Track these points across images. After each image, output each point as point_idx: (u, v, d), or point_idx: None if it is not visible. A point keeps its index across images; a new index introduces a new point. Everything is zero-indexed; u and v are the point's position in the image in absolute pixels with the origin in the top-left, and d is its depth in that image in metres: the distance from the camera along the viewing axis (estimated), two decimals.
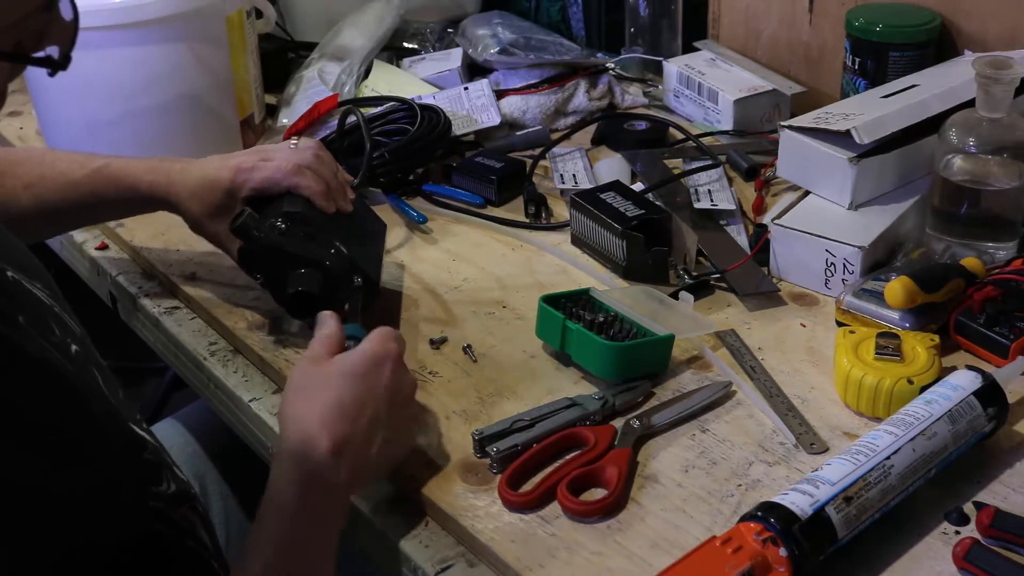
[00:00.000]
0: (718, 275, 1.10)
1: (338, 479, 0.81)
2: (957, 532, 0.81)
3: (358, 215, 1.10)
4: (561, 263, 1.16)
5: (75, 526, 0.71)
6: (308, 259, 1.01)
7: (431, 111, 1.36)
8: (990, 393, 0.86)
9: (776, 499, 0.77)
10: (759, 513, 0.76)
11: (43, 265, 0.90)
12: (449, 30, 1.63)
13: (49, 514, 0.69)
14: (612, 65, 1.54)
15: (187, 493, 0.86)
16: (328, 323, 0.91)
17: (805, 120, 1.16)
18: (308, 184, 1.05)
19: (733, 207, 1.20)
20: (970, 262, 1.02)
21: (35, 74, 0.76)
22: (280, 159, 1.06)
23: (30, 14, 0.70)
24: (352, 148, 1.30)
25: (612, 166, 1.32)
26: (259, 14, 1.40)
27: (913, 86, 1.19)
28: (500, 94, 1.45)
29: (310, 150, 1.09)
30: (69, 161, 1.11)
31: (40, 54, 0.73)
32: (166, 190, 1.08)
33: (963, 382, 0.87)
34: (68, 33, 0.74)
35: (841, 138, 1.10)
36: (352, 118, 1.30)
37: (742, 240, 1.16)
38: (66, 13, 0.73)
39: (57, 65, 0.74)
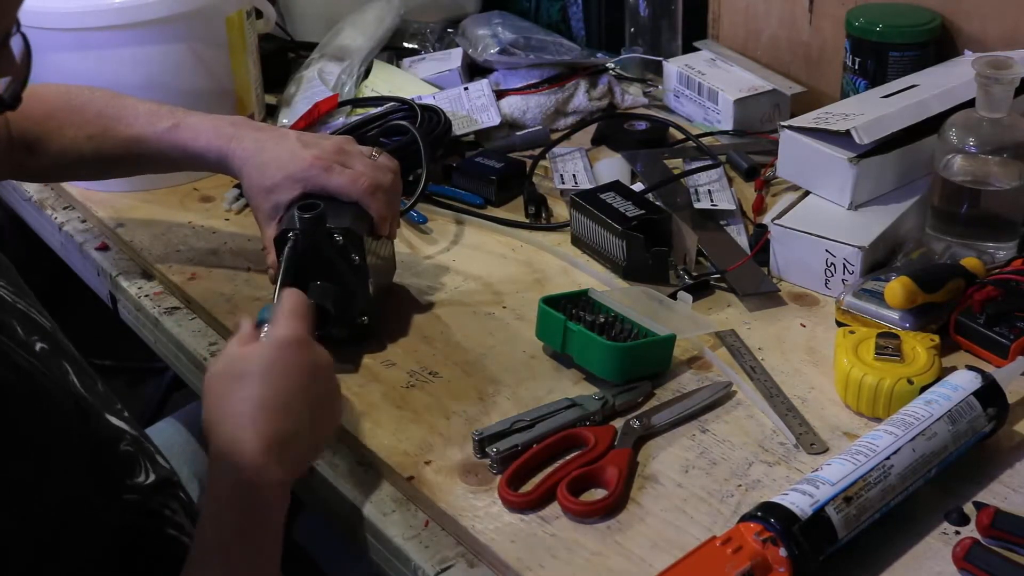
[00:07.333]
0: (718, 275, 1.10)
1: (273, 477, 0.78)
2: (957, 532, 0.81)
3: (388, 254, 1.09)
4: (561, 263, 1.16)
5: (45, 522, 0.71)
6: (339, 281, 1.00)
7: (431, 111, 1.36)
8: (990, 393, 0.86)
9: (776, 499, 0.77)
10: (759, 513, 0.76)
11: (7, 259, 0.90)
12: (449, 30, 1.63)
13: (20, 511, 0.69)
14: (612, 65, 1.54)
15: (169, 480, 0.86)
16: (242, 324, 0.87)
17: (805, 120, 1.16)
18: (378, 208, 1.02)
19: (733, 207, 1.20)
20: (970, 262, 1.02)
21: (35, 73, 0.74)
22: (359, 171, 1.03)
23: None
24: None
25: (612, 166, 1.32)
26: (259, 14, 1.40)
27: (913, 86, 1.19)
28: (500, 94, 1.45)
29: (391, 173, 1.05)
30: (135, 114, 1.08)
31: None
32: (230, 162, 1.05)
33: (963, 382, 0.87)
34: (20, 71, 0.71)
35: (841, 138, 1.10)
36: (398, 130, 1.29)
37: (742, 240, 1.16)
38: (17, 49, 0.71)
39: (5, 105, 0.71)
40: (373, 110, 1.39)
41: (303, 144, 1.04)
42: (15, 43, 0.70)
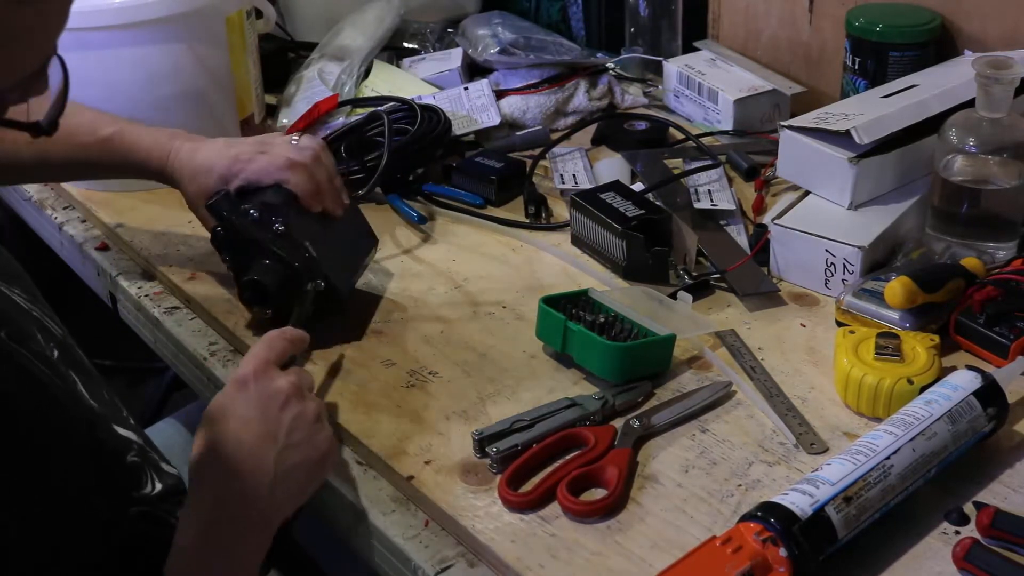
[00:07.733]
0: (718, 275, 1.10)
1: (231, 514, 0.78)
2: (957, 532, 0.81)
3: (347, 223, 1.10)
4: (561, 263, 1.16)
5: (52, 529, 0.72)
6: (271, 251, 1.01)
7: (431, 111, 1.36)
8: (990, 393, 0.86)
9: (776, 499, 0.77)
10: (759, 513, 0.76)
11: (21, 267, 0.90)
12: (449, 30, 1.63)
13: (28, 517, 0.70)
14: (612, 65, 1.54)
15: (175, 488, 0.86)
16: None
17: (805, 120, 1.16)
18: (297, 181, 1.05)
19: (733, 207, 1.20)
20: (970, 262, 1.02)
21: None
22: (275, 153, 1.06)
23: (20, 81, 0.67)
24: (350, 150, 1.30)
25: (612, 166, 1.32)
26: (259, 14, 1.40)
27: (913, 86, 1.19)
28: (500, 94, 1.45)
29: (309, 150, 1.08)
30: (78, 123, 1.09)
31: (25, 119, 0.70)
32: (170, 172, 1.08)
33: (963, 382, 0.87)
34: (58, 97, 0.72)
35: (841, 138, 1.10)
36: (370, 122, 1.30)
37: (742, 240, 1.16)
38: (55, 81, 0.71)
39: (43, 131, 0.71)
40: (372, 110, 1.39)
41: (227, 144, 1.08)
42: (53, 70, 0.70)
